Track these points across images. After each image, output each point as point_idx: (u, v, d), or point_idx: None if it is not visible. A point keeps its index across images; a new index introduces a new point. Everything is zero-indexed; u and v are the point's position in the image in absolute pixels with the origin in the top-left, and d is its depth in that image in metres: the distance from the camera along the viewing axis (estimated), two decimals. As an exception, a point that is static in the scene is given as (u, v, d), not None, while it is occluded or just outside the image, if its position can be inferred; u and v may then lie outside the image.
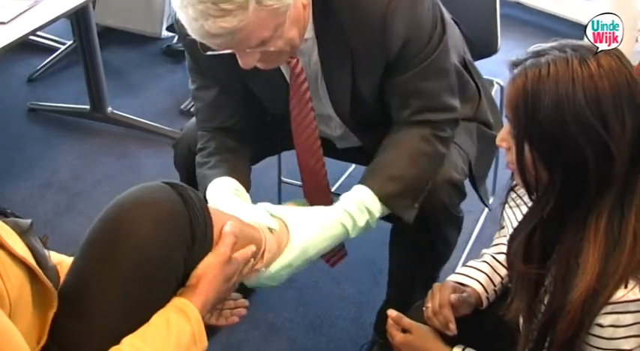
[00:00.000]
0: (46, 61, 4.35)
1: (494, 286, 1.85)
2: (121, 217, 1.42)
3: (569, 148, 1.39)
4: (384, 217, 2.01)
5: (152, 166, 3.53)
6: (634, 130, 1.39)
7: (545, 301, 1.52)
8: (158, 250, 1.40)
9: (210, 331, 1.50)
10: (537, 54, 1.44)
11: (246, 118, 2.19)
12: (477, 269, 1.87)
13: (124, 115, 3.84)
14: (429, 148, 1.99)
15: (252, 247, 1.62)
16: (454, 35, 2.27)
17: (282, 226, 1.80)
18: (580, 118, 1.37)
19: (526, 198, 1.67)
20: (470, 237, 3.03)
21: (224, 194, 1.99)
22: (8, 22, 2.68)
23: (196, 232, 1.47)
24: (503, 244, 1.85)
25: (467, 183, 2.17)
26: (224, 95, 2.14)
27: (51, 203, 3.30)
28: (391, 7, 1.84)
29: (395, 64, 1.94)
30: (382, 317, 2.45)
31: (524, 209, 1.68)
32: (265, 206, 1.86)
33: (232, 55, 1.82)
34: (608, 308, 1.39)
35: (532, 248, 1.54)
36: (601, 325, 1.42)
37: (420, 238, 2.15)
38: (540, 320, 1.53)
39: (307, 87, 2.01)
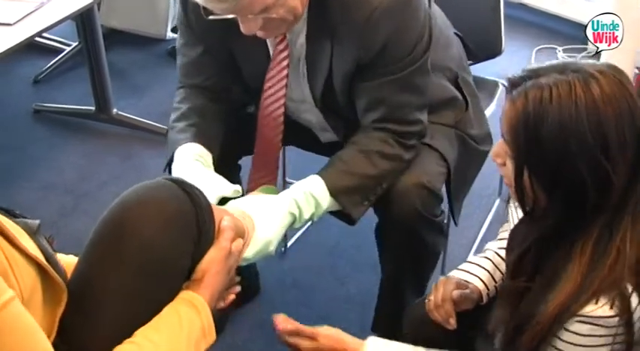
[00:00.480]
0: (51, 63, 4.36)
1: (495, 282, 1.86)
2: (125, 215, 1.41)
3: (570, 174, 1.39)
4: (336, 214, 2.03)
5: (157, 166, 3.51)
6: (633, 155, 1.40)
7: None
8: (165, 248, 1.41)
9: (217, 327, 1.51)
10: (536, 74, 1.43)
11: (226, 80, 2.21)
12: (479, 265, 1.88)
13: (129, 116, 3.86)
14: (388, 150, 2.00)
15: (241, 240, 1.64)
16: (448, 54, 2.27)
17: (248, 217, 1.80)
18: (582, 145, 1.36)
19: None
20: (476, 237, 3.04)
21: (187, 161, 2.00)
22: (14, 23, 2.69)
23: (202, 229, 1.47)
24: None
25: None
26: (208, 55, 2.15)
27: (56, 204, 3.31)
28: (378, 10, 1.86)
29: (368, 67, 1.95)
30: (380, 317, 2.47)
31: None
32: (231, 201, 1.87)
33: (225, 20, 1.82)
34: (575, 319, 1.41)
35: (524, 265, 1.55)
36: (567, 329, 1.43)
37: (398, 242, 2.16)
38: (507, 329, 1.55)
39: (287, 64, 2.04)
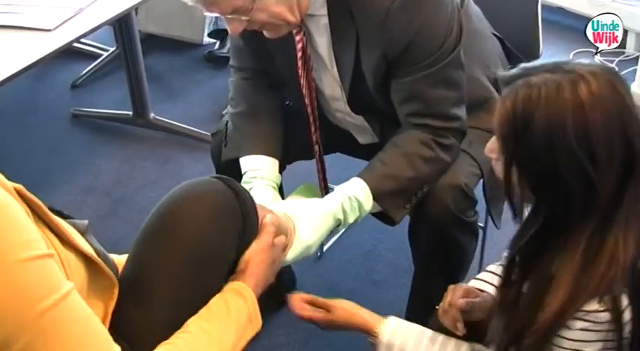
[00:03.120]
0: (89, 68, 4.40)
1: None
2: (177, 208, 1.50)
3: (556, 177, 1.38)
4: (377, 215, 2.06)
5: (194, 171, 3.55)
6: (622, 162, 1.38)
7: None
8: (213, 239, 1.49)
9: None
10: (528, 73, 1.41)
11: (263, 67, 2.25)
12: (494, 273, 1.86)
13: (166, 120, 3.88)
14: (427, 153, 2.00)
15: (284, 237, 1.72)
16: (486, 50, 2.27)
17: (290, 221, 1.85)
18: (567, 150, 1.35)
19: None
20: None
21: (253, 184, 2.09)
22: (53, 29, 2.71)
23: (247, 223, 1.56)
24: None
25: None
26: (244, 42, 2.20)
27: (94, 208, 3.33)
28: (394, 5, 1.85)
29: (398, 64, 1.95)
30: (410, 315, 2.45)
31: None
32: (275, 204, 1.94)
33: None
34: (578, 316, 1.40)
35: (512, 270, 1.54)
36: (569, 328, 1.42)
37: (430, 242, 2.15)
38: (504, 338, 1.53)
39: (301, 57, 2.05)
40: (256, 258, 1.59)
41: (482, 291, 1.84)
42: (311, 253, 1.87)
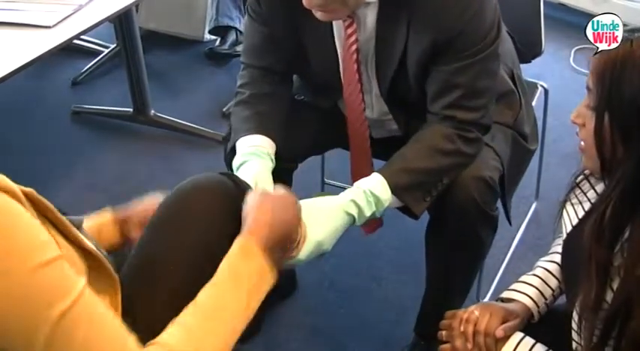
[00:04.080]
0: (89, 65, 4.39)
1: (546, 299, 1.81)
2: (185, 200, 1.60)
3: None
4: (400, 209, 2.04)
5: (195, 168, 3.53)
6: None
7: (614, 288, 1.45)
8: (218, 229, 1.56)
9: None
10: (632, 30, 1.41)
11: (288, 67, 2.24)
12: (528, 284, 1.84)
13: (167, 117, 3.87)
14: (448, 146, 2.00)
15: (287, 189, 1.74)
16: (506, 47, 2.27)
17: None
18: None
19: (590, 194, 1.64)
20: (513, 238, 3.01)
21: (245, 154, 2.06)
22: (53, 26, 2.70)
23: None
24: (558, 252, 1.82)
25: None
26: (273, 40, 2.17)
27: (94, 204, 3.28)
28: None
29: (444, 52, 1.95)
30: (422, 319, 2.45)
31: (587, 206, 1.63)
32: None
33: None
34: None
35: (602, 229, 1.46)
36: None
37: (453, 236, 2.15)
38: (608, 311, 1.45)
39: (356, 49, 2.04)
40: (253, 214, 1.57)
41: (510, 300, 1.83)
42: (324, 249, 1.87)
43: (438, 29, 1.91)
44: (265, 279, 1.51)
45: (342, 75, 2.13)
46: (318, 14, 1.90)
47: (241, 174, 1.98)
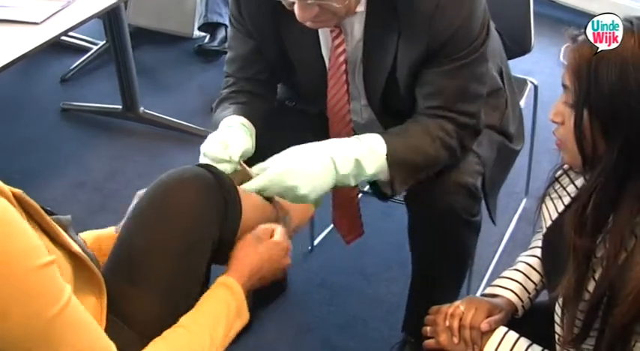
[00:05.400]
0: (78, 62, 4.37)
1: (529, 293, 1.82)
2: (166, 193, 1.61)
3: (630, 117, 1.36)
4: (372, 187, 2.01)
5: (184, 164, 3.52)
6: None
7: (596, 278, 1.46)
8: (200, 221, 1.59)
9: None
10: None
11: (274, 77, 2.23)
12: (511, 279, 1.84)
13: (156, 114, 3.86)
14: (448, 141, 1.96)
15: (269, 226, 1.75)
16: (496, 45, 2.26)
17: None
18: None
19: (570, 188, 1.65)
20: (504, 235, 3.01)
21: (225, 124, 2.03)
22: (41, 22, 2.69)
23: (228, 204, 1.64)
24: (539, 246, 1.83)
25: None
26: (258, 52, 2.15)
27: (84, 202, 3.32)
28: None
29: (435, 55, 1.93)
30: (410, 316, 2.45)
31: (567, 200, 1.64)
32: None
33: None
34: None
35: (584, 220, 1.47)
36: None
37: (435, 239, 2.14)
38: (590, 300, 1.47)
39: (345, 60, 2.02)
40: (239, 253, 1.66)
41: (494, 295, 1.83)
42: (303, 195, 1.83)
43: (430, 36, 1.89)
44: (241, 318, 1.60)
45: (328, 84, 2.09)
46: (308, 23, 1.87)
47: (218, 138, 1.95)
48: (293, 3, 1.81)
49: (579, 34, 1.43)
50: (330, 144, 1.89)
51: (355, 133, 2.25)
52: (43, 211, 1.32)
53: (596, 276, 1.46)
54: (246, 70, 2.18)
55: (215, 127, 2.06)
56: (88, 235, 1.75)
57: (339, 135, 2.14)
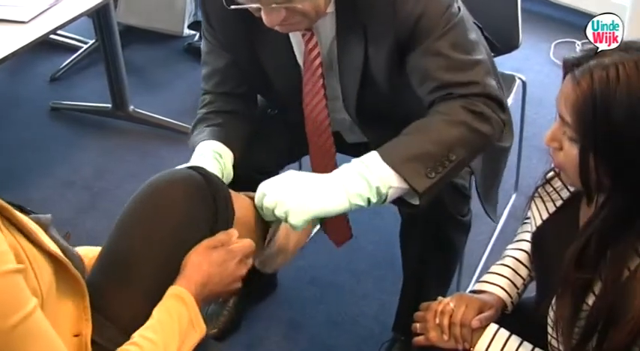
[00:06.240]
0: (68, 61, 4.36)
1: (517, 288, 1.83)
2: (156, 194, 1.60)
3: (638, 158, 1.34)
4: (400, 201, 1.80)
5: (174, 163, 3.47)
6: None
7: (590, 303, 1.46)
8: (190, 222, 1.59)
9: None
10: (597, 54, 1.37)
11: (252, 89, 2.20)
12: (499, 274, 1.84)
13: (146, 113, 3.85)
14: (453, 116, 1.79)
15: (232, 231, 1.67)
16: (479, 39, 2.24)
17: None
18: None
19: (563, 193, 1.65)
20: (493, 232, 3.02)
21: (196, 155, 2.01)
22: (29, 21, 2.69)
23: (219, 207, 1.64)
24: (526, 240, 1.83)
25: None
26: (234, 65, 2.13)
27: (73, 201, 3.31)
28: None
29: (409, 40, 1.85)
30: (401, 315, 2.45)
31: (559, 203, 1.64)
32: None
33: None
34: None
35: (587, 255, 1.46)
36: None
37: (424, 241, 2.14)
38: (587, 324, 1.46)
39: (320, 63, 1.99)
40: (192, 260, 1.57)
41: (483, 292, 1.83)
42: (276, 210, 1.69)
43: (397, 24, 1.83)
44: (195, 329, 1.54)
45: (303, 88, 2.05)
46: (277, 27, 1.83)
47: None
48: (259, 9, 1.77)
49: (577, 61, 1.39)
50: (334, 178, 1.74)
51: (340, 137, 2.25)
52: (15, 212, 1.30)
53: (596, 291, 1.46)
54: (224, 85, 2.16)
55: (192, 149, 2.05)
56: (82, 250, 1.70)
57: (317, 142, 2.13)
